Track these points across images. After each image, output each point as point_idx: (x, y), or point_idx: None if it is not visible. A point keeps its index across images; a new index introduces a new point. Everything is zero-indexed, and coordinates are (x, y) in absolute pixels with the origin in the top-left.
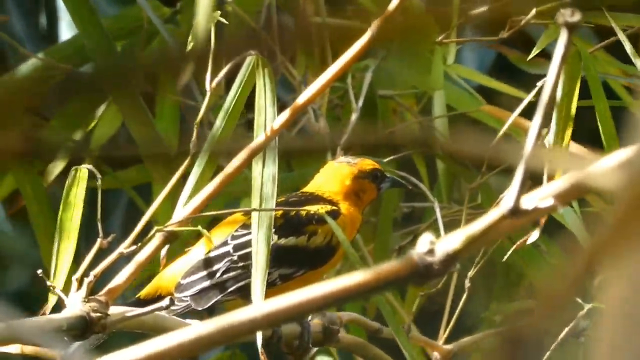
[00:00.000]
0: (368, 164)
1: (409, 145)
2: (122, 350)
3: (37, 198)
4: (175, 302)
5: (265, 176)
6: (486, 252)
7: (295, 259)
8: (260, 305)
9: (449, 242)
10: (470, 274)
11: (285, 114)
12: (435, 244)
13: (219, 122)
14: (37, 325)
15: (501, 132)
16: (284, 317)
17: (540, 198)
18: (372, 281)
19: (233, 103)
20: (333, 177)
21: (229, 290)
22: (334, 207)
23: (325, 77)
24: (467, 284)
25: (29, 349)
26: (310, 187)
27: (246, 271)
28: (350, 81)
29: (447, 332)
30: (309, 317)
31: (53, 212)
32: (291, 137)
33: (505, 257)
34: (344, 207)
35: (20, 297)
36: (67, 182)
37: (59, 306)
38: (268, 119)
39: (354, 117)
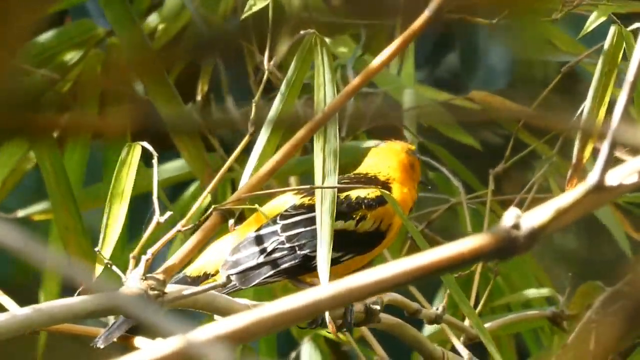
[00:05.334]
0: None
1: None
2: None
3: (55, 171)
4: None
5: (326, 151)
6: None
7: (342, 243)
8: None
9: (535, 216)
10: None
11: (343, 92)
12: (521, 218)
13: (278, 99)
14: (99, 302)
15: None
16: (357, 295)
17: (625, 174)
18: (456, 256)
19: (293, 79)
20: (387, 155)
21: (274, 271)
22: (385, 191)
23: (388, 50)
24: (495, 267)
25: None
26: (363, 168)
27: (293, 252)
28: None
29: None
30: None
31: (69, 186)
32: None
33: None
34: (396, 188)
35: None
36: (120, 158)
37: None
38: (328, 96)
39: None
